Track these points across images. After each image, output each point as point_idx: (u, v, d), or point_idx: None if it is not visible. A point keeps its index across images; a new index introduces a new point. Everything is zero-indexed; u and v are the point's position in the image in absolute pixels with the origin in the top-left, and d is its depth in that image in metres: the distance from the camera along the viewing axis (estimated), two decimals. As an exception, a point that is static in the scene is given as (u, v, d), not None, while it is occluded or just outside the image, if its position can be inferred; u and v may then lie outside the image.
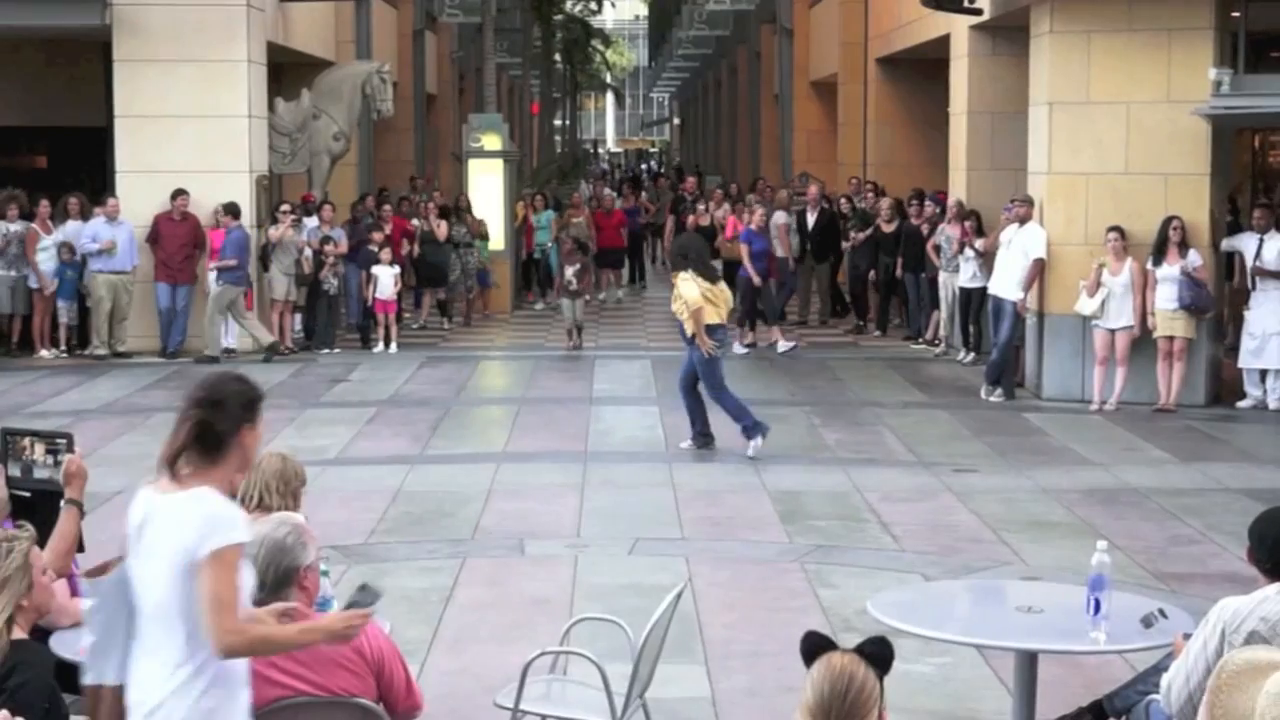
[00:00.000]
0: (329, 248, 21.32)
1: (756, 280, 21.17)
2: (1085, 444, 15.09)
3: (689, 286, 14.12)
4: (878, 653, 3.85)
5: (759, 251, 21.32)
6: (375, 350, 21.45)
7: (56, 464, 6.33)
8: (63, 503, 6.23)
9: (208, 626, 4.53)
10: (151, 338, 20.49)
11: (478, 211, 26.08)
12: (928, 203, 22.04)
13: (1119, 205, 16.95)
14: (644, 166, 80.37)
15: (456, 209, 24.96)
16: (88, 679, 4.84)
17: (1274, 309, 16.73)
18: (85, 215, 20.71)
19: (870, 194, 24.82)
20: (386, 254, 21.69)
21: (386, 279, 21.53)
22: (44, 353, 20.23)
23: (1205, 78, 16.56)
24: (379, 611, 5.02)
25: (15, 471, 6.40)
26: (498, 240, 25.76)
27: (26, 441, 6.43)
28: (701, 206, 26.81)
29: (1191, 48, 16.78)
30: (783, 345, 21.14)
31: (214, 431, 4.72)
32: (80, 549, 6.43)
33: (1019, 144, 18.63)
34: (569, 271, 21.83)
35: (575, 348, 21.56)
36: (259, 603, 5.09)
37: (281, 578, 5.04)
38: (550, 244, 26.66)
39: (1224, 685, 3.71)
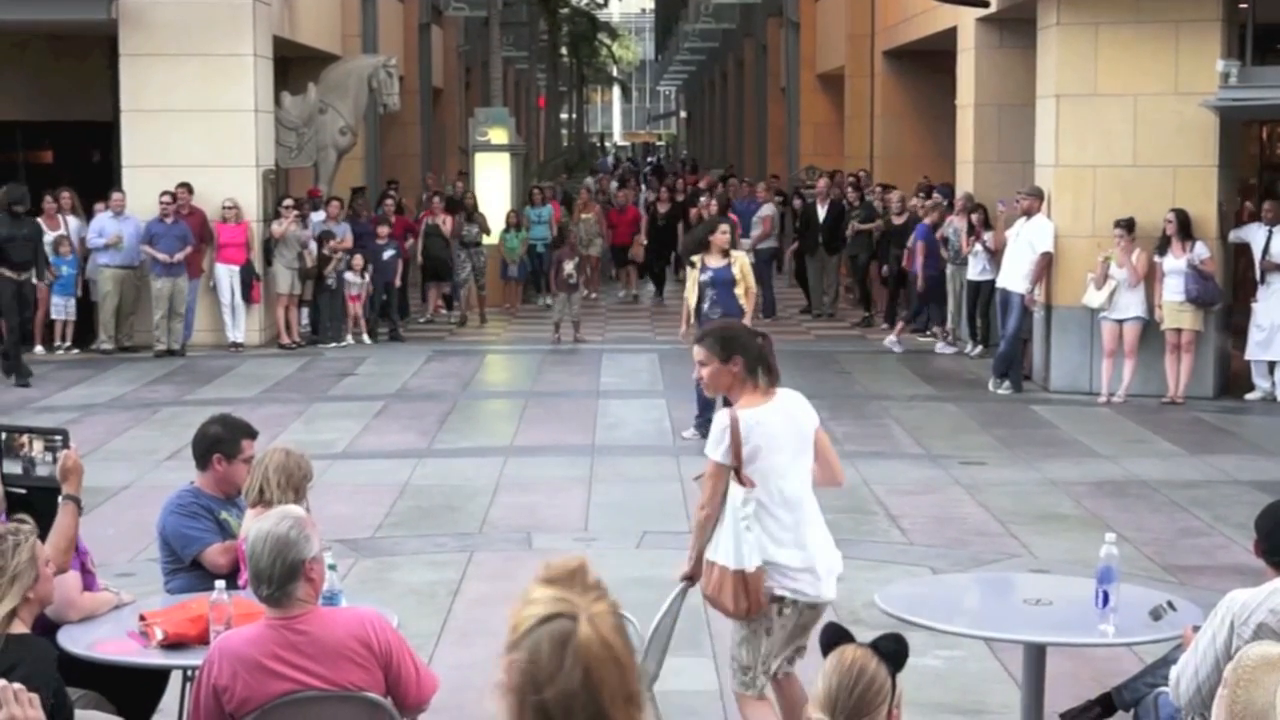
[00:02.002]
0: (332, 243, 21.31)
1: (921, 282, 21.08)
2: (1093, 436, 15.07)
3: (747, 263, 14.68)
4: (892, 649, 3.85)
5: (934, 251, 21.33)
6: (345, 343, 21.46)
7: (55, 460, 6.31)
8: (60, 499, 6.21)
9: (838, 467, 6.75)
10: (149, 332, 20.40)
11: (482, 206, 26.08)
12: (935, 195, 22.03)
13: (1126, 198, 16.92)
14: (649, 160, 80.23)
15: (462, 205, 24.77)
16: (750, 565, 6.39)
17: (1283, 301, 16.70)
18: (76, 210, 20.70)
19: (879, 188, 24.80)
20: (359, 260, 21.60)
21: (354, 283, 21.56)
22: (39, 349, 20.13)
23: (1213, 70, 16.53)
24: (390, 604, 5.02)
25: (15, 469, 6.36)
26: (490, 236, 25.59)
27: (25, 439, 6.39)
28: (705, 199, 26.79)
29: (1199, 39, 16.75)
30: (892, 339, 20.97)
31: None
32: (76, 548, 6.42)
33: (1026, 137, 18.60)
34: (568, 266, 21.76)
35: (557, 342, 21.52)
36: (266, 598, 5.09)
37: (288, 572, 5.04)
38: (549, 240, 25.92)
39: (1242, 679, 3.71)
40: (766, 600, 6.46)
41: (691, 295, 14.54)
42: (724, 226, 14.98)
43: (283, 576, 5.03)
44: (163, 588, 7.09)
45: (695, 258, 14.63)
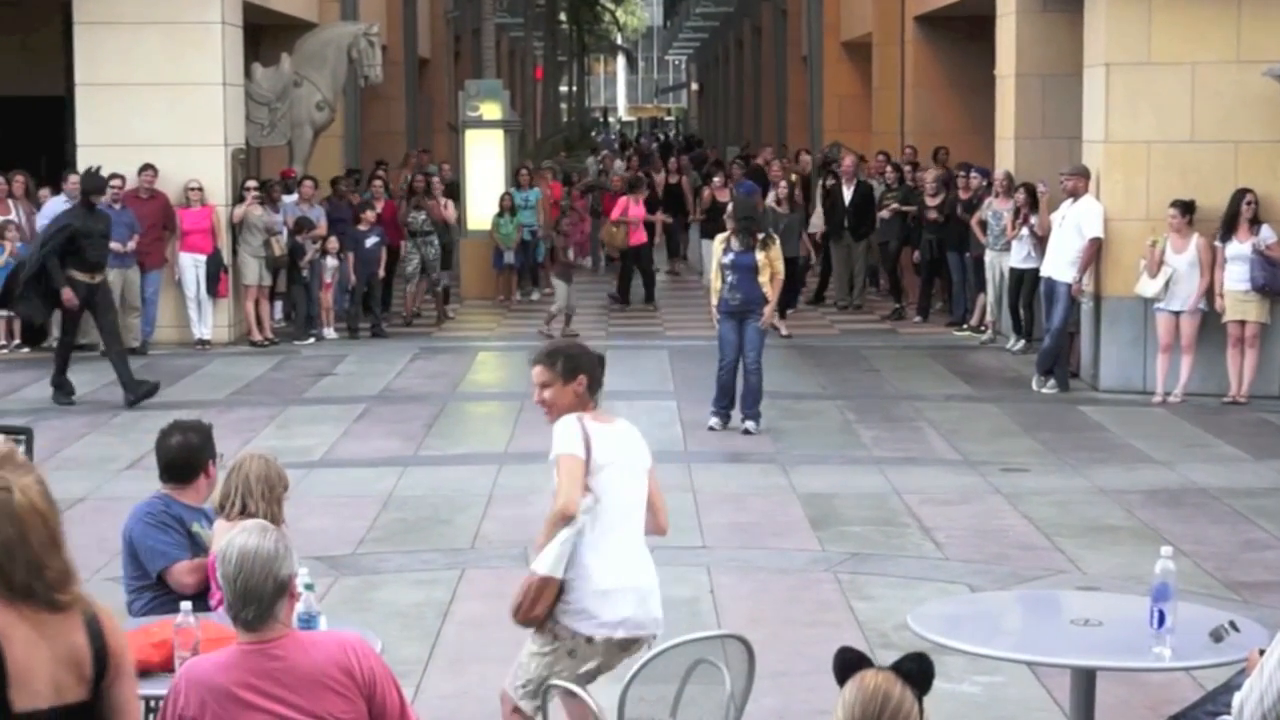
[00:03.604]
0: (308, 233, 21.27)
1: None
2: (1147, 440, 15.07)
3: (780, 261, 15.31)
4: (917, 670, 3.85)
5: None
6: (330, 337, 21.64)
7: None
8: None
9: (665, 517, 7.21)
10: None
11: (474, 188, 26.04)
12: (974, 174, 22.02)
13: (1184, 177, 16.92)
14: (657, 136, 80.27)
15: (411, 191, 24.36)
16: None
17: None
18: (30, 195, 20.72)
19: (909, 167, 24.79)
20: (333, 243, 21.63)
21: (327, 268, 21.66)
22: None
23: (1278, 35, 16.51)
24: (373, 628, 5.02)
25: None
26: (482, 221, 25.49)
27: None
28: (718, 180, 26.75)
29: (1264, 2, 16.73)
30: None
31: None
32: None
33: (1073, 110, 18.59)
34: (571, 251, 21.83)
35: (549, 336, 21.58)
36: (250, 620, 5.04)
37: (278, 589, 5.03)
38: (539, 227, 25.75)
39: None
40: (569, 632, 6.67)
41: (715, 278, 15.37)
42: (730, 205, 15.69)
43: (274, 593, 5.02)
44: (126, 607, 7.11)
45: (720, 237, 15.58)
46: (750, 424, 15.32)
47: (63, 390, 16.98)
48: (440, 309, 23.80)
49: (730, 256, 15.08)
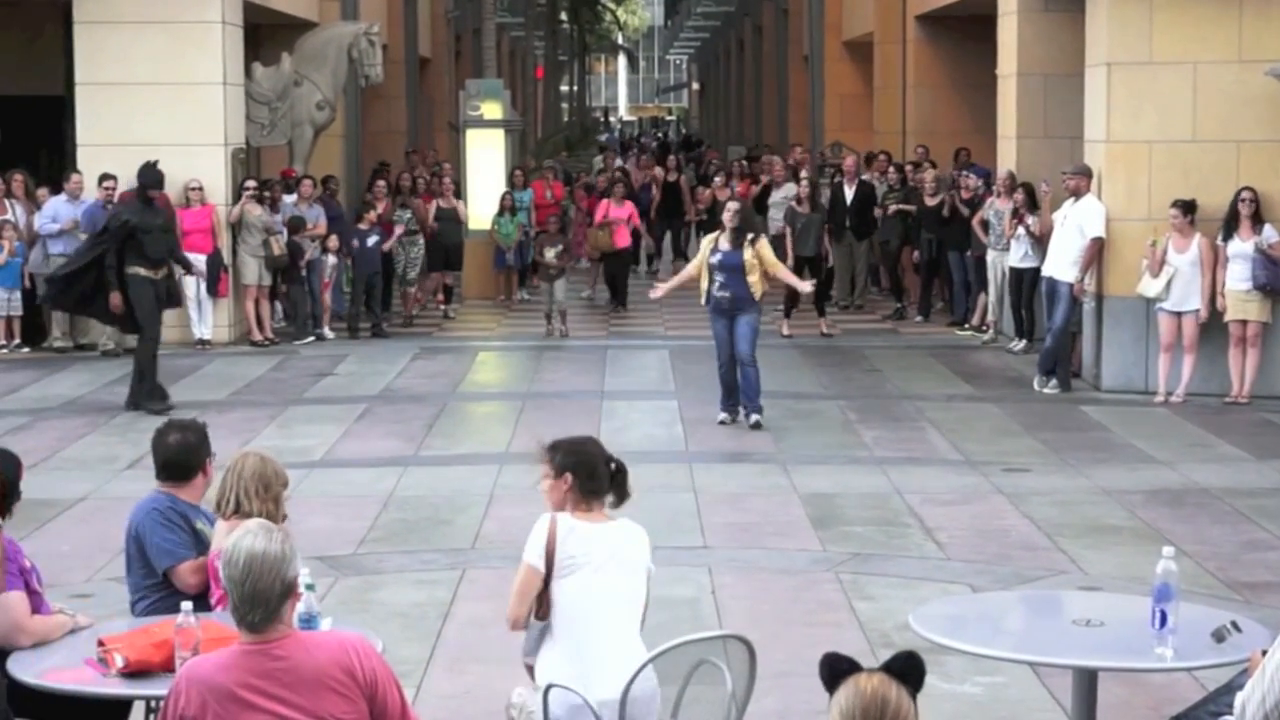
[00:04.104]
0: (305, 231, 21.27)
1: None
2: (1149, 440, 15.07)
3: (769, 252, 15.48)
4: (908, 669, 3.84)
5: None
6: (329, 337, 21.65)
7: None
8: None
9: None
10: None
11: (475, 188, 26.02)
12: (971, 176, 22.03)
13: (1186, 176, 16.91)
14: (657, 136, 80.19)
15: (398, 189, 24.13)
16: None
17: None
18: (30, 194, 20.71)
19: (910, 166, 24.79)
20: (333, 241, 21.66)
21: (327, 265, 21.70)
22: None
23: (1280, 34, 16.54)
24: (373, 628, 5.02)
25: None
26: (482, 220, 25.47)
27: None
28: (719, 180, 26.70)
29: (1265, 1, 16.72)
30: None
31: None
32: (21, 566, 6.41)
33: (1074, 109, 18.58)
34: (550, 253, 21.90)
35: (549, 334, 21.68)
36: (256, 622, 5.04)
37: (285, 591, 5.03)
38: (531, 227, 25.49)
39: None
40: None
41: (701, 277, 15.44)
42: (733, 206, 15.76)
43: (281, 595, 5.02)
44: (130, 607, 7.12)
45: (709, 237, 15.79)
46: (755, 416, 15.41)
47: (156, 396, 16.39)
48: (407, 310, 23.61)
49: (718, 256, 15.25)
